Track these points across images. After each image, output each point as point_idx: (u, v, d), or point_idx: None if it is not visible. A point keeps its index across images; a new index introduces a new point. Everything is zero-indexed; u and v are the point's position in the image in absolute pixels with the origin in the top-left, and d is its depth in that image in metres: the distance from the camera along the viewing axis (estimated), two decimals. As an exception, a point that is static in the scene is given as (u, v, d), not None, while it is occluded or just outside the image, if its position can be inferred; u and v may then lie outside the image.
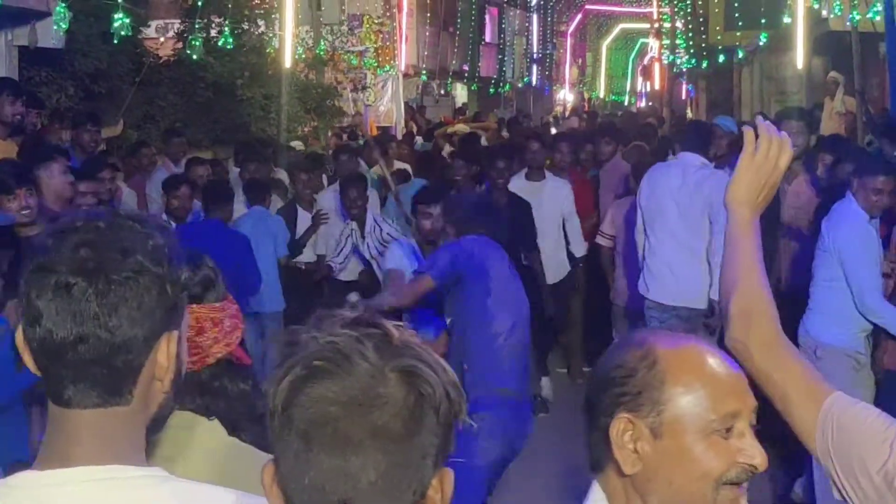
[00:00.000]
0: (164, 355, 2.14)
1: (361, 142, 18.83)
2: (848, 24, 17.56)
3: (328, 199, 12.28)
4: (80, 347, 2.04)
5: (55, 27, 12.75)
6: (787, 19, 20.08)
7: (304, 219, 12.10)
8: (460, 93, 39.13)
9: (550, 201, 11.86)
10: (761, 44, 24.30)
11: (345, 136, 22.06)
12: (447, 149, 19.20)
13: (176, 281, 2.16)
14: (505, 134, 23.78)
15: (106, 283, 2.05)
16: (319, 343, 1.84)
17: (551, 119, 37.95)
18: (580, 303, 12.68)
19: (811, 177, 10.09)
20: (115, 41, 14.63)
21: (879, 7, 15.31)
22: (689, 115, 34.79)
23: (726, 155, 11.08)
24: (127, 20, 14.28)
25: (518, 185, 11.79)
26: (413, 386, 1.80)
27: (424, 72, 34.60)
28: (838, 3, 18.48)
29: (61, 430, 2.10)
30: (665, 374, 2.46)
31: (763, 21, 23.06)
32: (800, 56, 18.10)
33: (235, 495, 2.20)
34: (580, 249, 12.20)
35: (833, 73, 18.74)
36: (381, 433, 1.79)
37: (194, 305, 2.91)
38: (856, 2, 17.39)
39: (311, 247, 12.06)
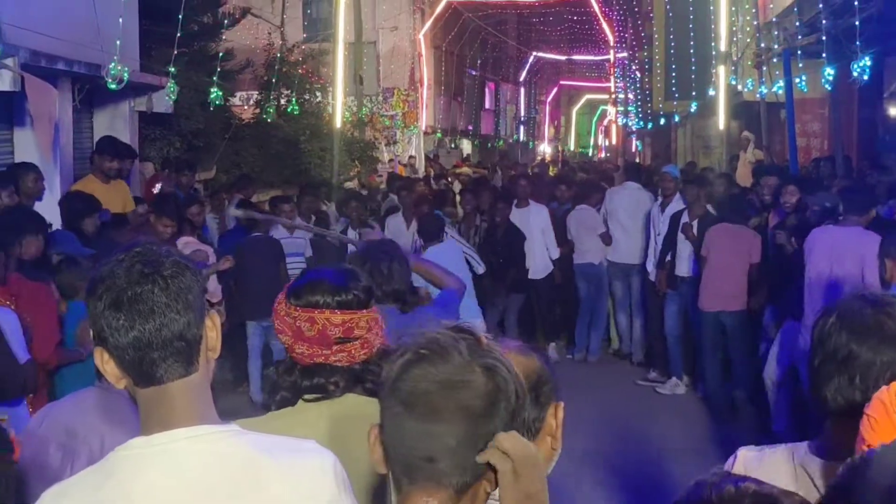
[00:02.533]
0: (214, 331, 2.17)
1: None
2: (758, 96, 17.61)
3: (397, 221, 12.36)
4: (163, 332, 2.06)
5: (167, 97, 12.78)
6: (711, 92, 20.09)
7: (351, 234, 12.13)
8: (466, 146, 39.08)
9: (535, 221, 12.41)
10: (692, 110, 24.33)
11: (379, 178, 22.08)
12: (457, 186, 19.13)
13: (201, 274, 2.19)
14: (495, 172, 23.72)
15: (164, 281, 2.07)
16: (426, 337, 1.87)
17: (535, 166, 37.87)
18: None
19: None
20: (211, 108, 14.68)
21: (781, 84, 15.35)
22: (638, 162, 34.80)
23: (672, 193, 11.30)
24: (220, 93, 14.35)
25: (512, 212, 12.32)
26: (492, 379, 1.82)
27: (439, 130, 34.63)
28: (750, 80, 18.45)
29: (156, 403, 2.10)
30: None
31: (693, 93, 23.09)
32: (721, 119, 18.09)
33: (295, 441, 2.19)
34: (555, 253, 12.52)
35: (746, 133, 18.69)
36: (464, 409, 1.81)
37: (364, 311, 2.91)
38: (763, 80, 17.42)
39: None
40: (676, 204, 11.31)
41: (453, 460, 1.82)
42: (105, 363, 2.10)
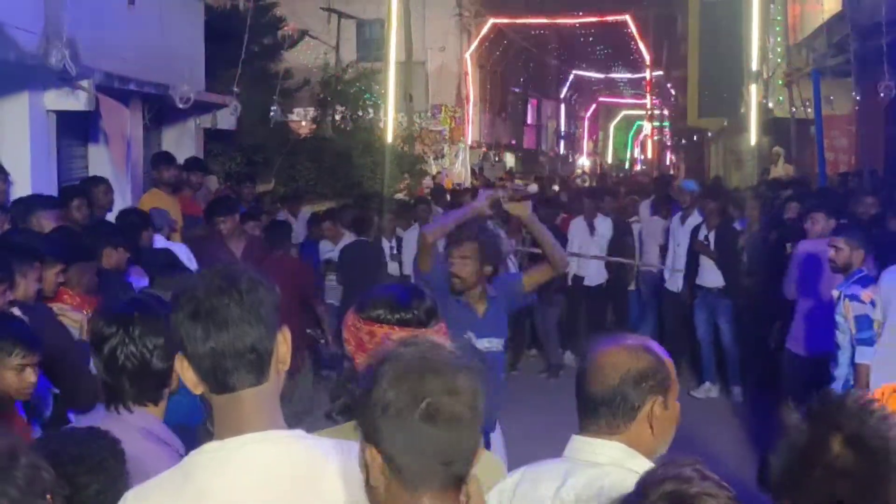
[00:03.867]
0: (284, 345, 2.19)
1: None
2: (787, 113, 17.47)
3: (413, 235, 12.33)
4: (237, 343, 2.09)
5: (231, 115, 12.89)
6: (742, 110, 19.93)
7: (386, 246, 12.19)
8: (509, 159, 39.03)
9: (600, 231, 12.61)
10: (724, 126, 24.17)
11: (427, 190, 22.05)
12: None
13: (276, 291, 2.21)
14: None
15: (239, 295, 2.11)
16: (414, 350, 1.95)
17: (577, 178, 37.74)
18: None
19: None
20: (271, 125, 14.78)
21: (810, 103, 15.22)
22: (672, 174, 34.59)
23: (690, 206, 11.23)
24: (279, 110, 14.46)
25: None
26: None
27: (484, 144, 34.60)
28: (781, 97, 18.31)
29: (229, 409, 2.13)
30: None
31: (725, 111, 22.95)
32: (752, 135, 17.91)
33: (352, 445, 2.17)
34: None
35: (776, 148, 18.54)
36: (476, 413, 1.89)
37: (423, 329, 2.85)
38: (793, 98, 17.27)
39: (397, 259, 12.08)
40: (696, 217, 11.28)
41: (466, 461, 1.91)
42: (185, 370, 2.15)
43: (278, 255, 8.80)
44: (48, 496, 1.88)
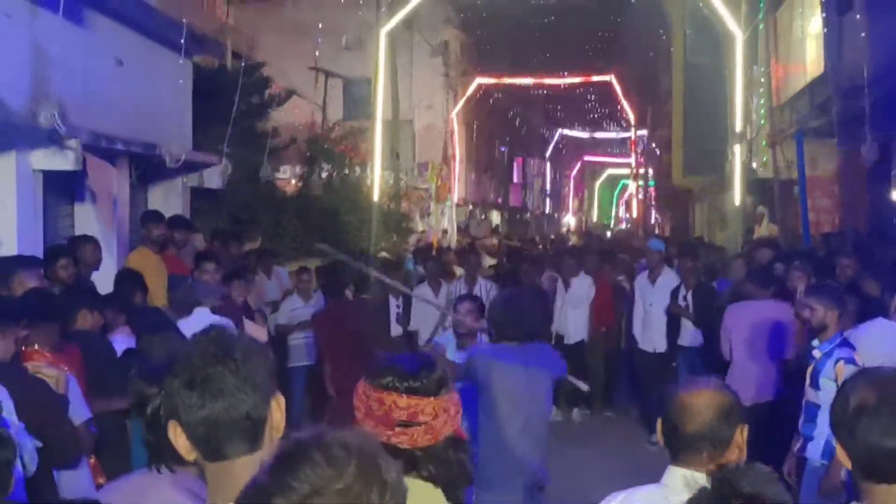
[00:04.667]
0: (279, 412, 2.19)
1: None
2: (771, 173, 17.61)
3: (423, 290, 12.31)
4: (231, 412, 2.10)
5: (220, 175, 12.91)
6: (727, 169, 20.08)
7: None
8: (495, 217, 39.19)
9: (578, 289, 12.76)
10: (708, 186, 24.34)
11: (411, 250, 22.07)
12: (487, 259, 19.06)
13: (270, 358, 2.23)
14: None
15: (234, 364, 2.12)
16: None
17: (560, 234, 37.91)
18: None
19: None
20: (261, 184, 14.83)
21: (794, 164, 15.35)
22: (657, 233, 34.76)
23: (657, 266, 11.31)
24: (268, 169, 14.50)
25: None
26: None
27: (470, 202, 34.74)
28: (765, 157, 18.46)
29: (223, 477, 2.13)
30: None
31: (710, 170, 23.10)
32: (737, 195, 17.99)
33: None
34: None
35: (760, 207, 18.68)
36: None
37: (432, 398, 2.88)
38: (777, 158, 17.42)
39: (402, 323, 12.07)
40: (668, 275, 11.38)
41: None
42: (177, 437, 2.15)
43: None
44: None
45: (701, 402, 2.98)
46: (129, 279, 8.20)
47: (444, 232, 28.00)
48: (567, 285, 12.80)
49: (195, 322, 8.03)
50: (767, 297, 8.85)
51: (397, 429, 2.84)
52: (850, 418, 2.36)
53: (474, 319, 6.81)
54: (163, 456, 3.00)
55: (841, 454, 2.40)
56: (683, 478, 2.88)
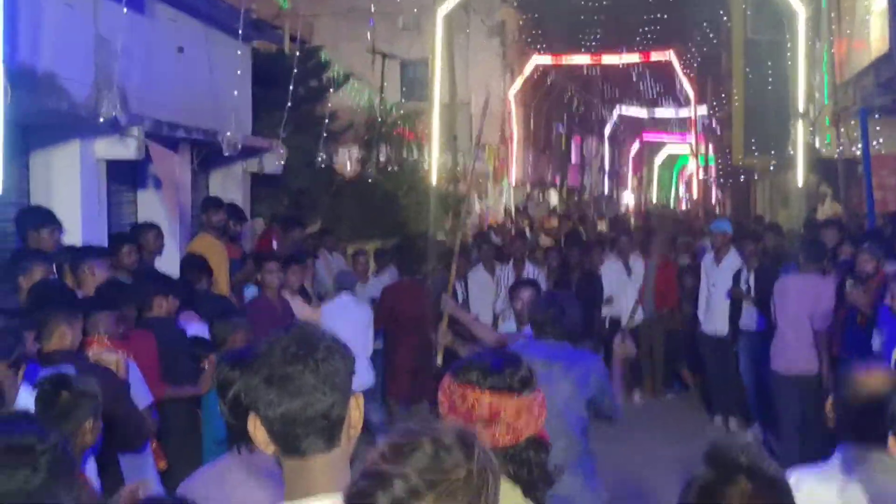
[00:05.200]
0: (357, 411, 2.22)
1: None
2: (835, 153, 17.33)
3: (478, 274, 12.33)
4: (308, 411, 2.12)
5: (277, 161, 12.99)
6: (789, 149, 19.80)
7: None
8: (553, 197, 39.02)
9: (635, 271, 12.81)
10: (771, 168, 24.02)
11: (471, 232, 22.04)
12: (545, 240, 19.02)
13: (351, 357, 2.23)
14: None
15: (315, 363, 2.13)
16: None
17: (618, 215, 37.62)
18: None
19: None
20: (322, 166, 14.89)
21: (859, 144, 15.10)
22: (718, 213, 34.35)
23: (722, 247, 11.16)
24: (326, 154, 14.56)
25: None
26: None
27: (528, 183, 34.61)
28: (828, 136, 18.18)
29: (299, 473, 2.16)
30: None
31: (772, 149, 22.78)
32: (799, 174, 17.79)
33: None
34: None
35: (823, 187, 18.38)
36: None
37: (515, 397, 2.86)
38: (841, 137, 17.14)
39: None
40: (733, 257, 11.23)
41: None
42: (257, 429, 2.18)
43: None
44: None
45: (876, 382, 3.09)
46: (194, 265, 8.31)
47: (504, 212, 27.94)
48: (628, 267, 12.77)
49: (339, 305, 9.42)
50: (814, 270, 9.25)
51: (479, 426, 2.82)
52: None
53: None
54: (243, 437, 3.02)
55: None
56: (858, 455, 2.99)
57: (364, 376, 9.31)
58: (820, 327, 9.04)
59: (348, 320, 9.07)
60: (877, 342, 7.67)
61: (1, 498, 2.74)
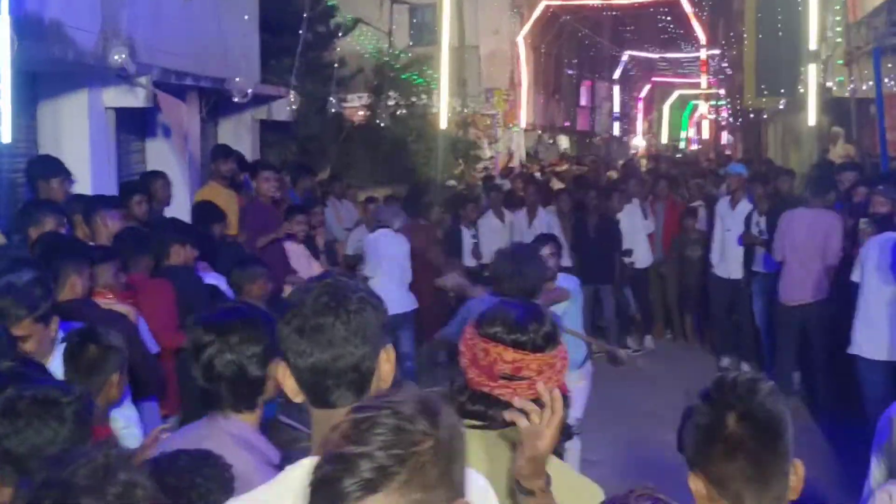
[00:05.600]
0: (388, 364, 2.20)
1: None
2: (847, 92, 17.17)
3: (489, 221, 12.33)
4: (339, 363, 2.12)
5: (288, 108, 12.93)
6: (801, 89, 19.63)
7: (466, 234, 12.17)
8: (563, 141, 38.82)
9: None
10: (781, 106, 23.82)
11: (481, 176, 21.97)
12: (556, 183, 18.95)
13: (384, 310, 2.21)
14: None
15: (347, 315, 2.12)
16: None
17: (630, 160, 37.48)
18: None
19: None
20: (328, 116, 14.83)
21: (871, 81, 14.94)
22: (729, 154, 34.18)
23: (738, 191, 11.15)
24: (335, 100, 14.48)
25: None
26: None
27: (538, 127, 34.42)
28: (840, 77, 17.98)
29: (326, 423, 2.09)
30: None
31: (783, 90, 22.58)
32: (811, 115, 17.64)
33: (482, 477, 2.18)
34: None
35: (835, 128, 18.22)
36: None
37: (538, 354, 2.78)
38: (853, 77, 16.97)
39: (471, 254, 12.09)
40: (746, 201, 11.21)
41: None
42: (285, 378, 2.18)
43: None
44: None
45: None
46: (207, 212, 8.28)
47: (511, 155, 27.81)
48: (644, 212, 12.75)
49: (381, 235, 10.24)
50: (820, 205, 9.53)
51: (500, 381, 2.78)
52: None
53: (556, 262, 6.87)
54: (218, 404, 3.01)
55: None
56: None
57: (406, 300, 10.00)
58: (832, 262, 9.24)
59: (389, 249, 10.01)
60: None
61: (33, 451, 2.78)
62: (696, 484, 2.24)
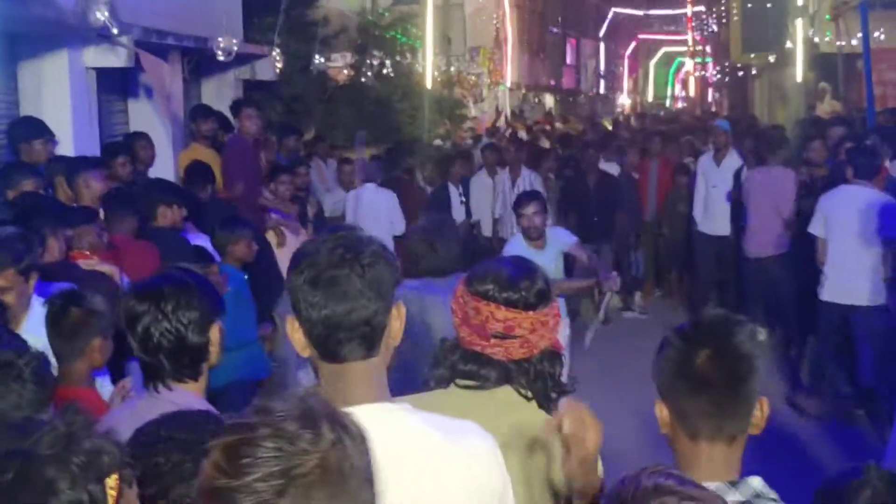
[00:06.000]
0: (398, 321, 2.19)
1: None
2: (835, 48, 17.15)
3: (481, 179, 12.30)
4: (352, 316, 2.09)
5: (273, 67, 12.83)
6: (788, 44, 19.59)
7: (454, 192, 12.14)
8: (549, 100, 38.69)
9: None
10: (769, 62, 23.79)
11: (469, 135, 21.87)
12: (544, 142, 18.87)
13: (396, 265, 2.19)
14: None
15: (361, 268, 2.10)
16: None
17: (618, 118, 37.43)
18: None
19: None
20: (313, 74, 14.72)
21: (858, 35, 14.90)
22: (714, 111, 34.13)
23: (724, 147, 11.13)
24: (319, 59, 14.36)
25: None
26: None
27: (524, 86, 34.30)
28: (828, 32, 17.96)
29: (339, 380, 2.13)
30: None
31: (770, 46, 22.55)
32: (798, 71, 17.67)
33: (459, 422, 2.19)
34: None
35: (822, 84, 18.21)
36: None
37: (531, 312, 2.76)
38: (840, 32, 16.94)
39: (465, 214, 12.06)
40: (732, 157, 11.19)
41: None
42: (294, 331, 2.15)
43: None
44: (115, 478, 1.82)
45: None
46: (198, 173, 8.20)
47: (499, 114, 27.70)
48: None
49: (366, 190, 10.63)
50: (776, 163, 10.01)
51: (493, 340, 2.75)
52: None
53: (542, 220, 6.85)
54: (159, 375, 2.91)
55: None
56: None
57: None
58: (788, 215, 9.67)
59: (374, 204, 10.31)
60: None
61: (1, 417, 2.74)
62: (661, 411, 2.30)
